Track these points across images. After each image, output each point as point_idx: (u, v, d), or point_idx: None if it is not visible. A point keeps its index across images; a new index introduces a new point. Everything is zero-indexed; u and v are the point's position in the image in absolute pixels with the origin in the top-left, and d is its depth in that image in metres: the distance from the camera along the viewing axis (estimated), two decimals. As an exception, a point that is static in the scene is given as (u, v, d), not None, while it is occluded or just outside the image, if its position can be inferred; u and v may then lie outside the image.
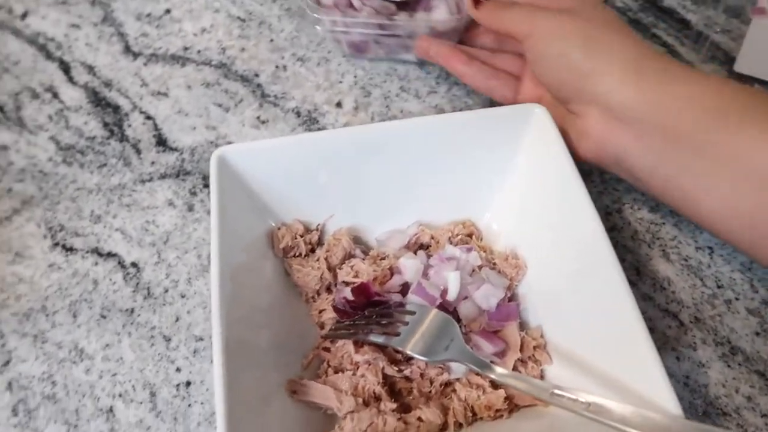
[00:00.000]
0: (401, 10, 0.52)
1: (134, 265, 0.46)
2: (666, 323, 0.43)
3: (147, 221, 0.48)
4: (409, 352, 0.35)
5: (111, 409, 0.40)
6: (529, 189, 0.42)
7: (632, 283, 0.44)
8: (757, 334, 0.43)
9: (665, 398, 0.31)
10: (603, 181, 0.49)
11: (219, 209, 0.37)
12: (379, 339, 0.36)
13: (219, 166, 0.38)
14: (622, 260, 0.45)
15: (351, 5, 0.52)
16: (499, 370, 0.34)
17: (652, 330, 0.42)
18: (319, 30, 0.55)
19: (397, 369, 0.37)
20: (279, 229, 0.42)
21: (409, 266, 0.39)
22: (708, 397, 0.40)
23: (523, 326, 0.40)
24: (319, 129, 0.53)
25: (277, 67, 0.57)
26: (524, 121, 0.41)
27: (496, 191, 0.43)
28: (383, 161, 0.42)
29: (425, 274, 0.39)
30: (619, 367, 0.34)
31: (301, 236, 0.42)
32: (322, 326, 0.40)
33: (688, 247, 0.46)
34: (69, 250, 0.47)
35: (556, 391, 0.32)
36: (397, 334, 0.36)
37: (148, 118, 0.54)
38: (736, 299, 0.44)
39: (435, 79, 0.56)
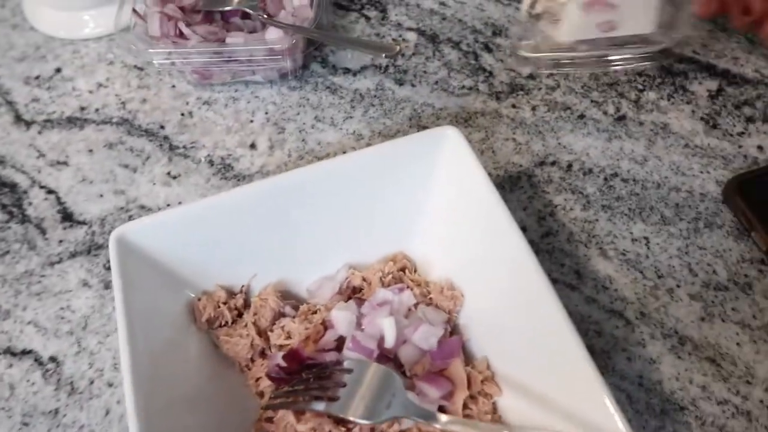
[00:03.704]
0: (232, 32, 0.51)
1: (53, 359, 0.42)
2: (613, 323, 0.42)
3: (61, 308, 0.44)
4: (350, 418, 0.33)
5: None
6: (451, 211, 0.40)
7: (574, 288, 0.44)
8: (702, 319, 0.42)
9: (613, 424, 0.30)
10: (532, 186, 0.48)
11: (124, 295, 0.34)
12: (319, 407, 0.34)
13: (119, 248, 0.35)
14: (561, 265, 0.45)
15: (181, 34, 0.51)
16: (444, 418, 0.32)
17: (599, 333, 0.42)
18: (157, 64, 0.53)
19: (345, 429, 0.35)
20: (199, 299, 0.39)
21: (341, 318, 0.37)
22: (663, 394, 0.40)
23: (469, 359, 0.38)
24: (234, 176, 0.50)
25: (182, 114, 0.54)
26: (437, 144, 0.40)
27: (421, 218, 0.42)
28: (300, 208, 0.40)
29: (359, 325, 0.37)
30: (564, 392, 0.33)
31: (225, 303, 0.39)
32: (261, 395, 0.38)
33: (624, 241, 0.46)
34: (-21, 354, 0.43)
35: (507, 434, 0.30)
36: (337, 398, 0.34)
37: (50, 192, 0.50)
38: (678, 287, 0.44)
39: (349, 104, 0.53)
